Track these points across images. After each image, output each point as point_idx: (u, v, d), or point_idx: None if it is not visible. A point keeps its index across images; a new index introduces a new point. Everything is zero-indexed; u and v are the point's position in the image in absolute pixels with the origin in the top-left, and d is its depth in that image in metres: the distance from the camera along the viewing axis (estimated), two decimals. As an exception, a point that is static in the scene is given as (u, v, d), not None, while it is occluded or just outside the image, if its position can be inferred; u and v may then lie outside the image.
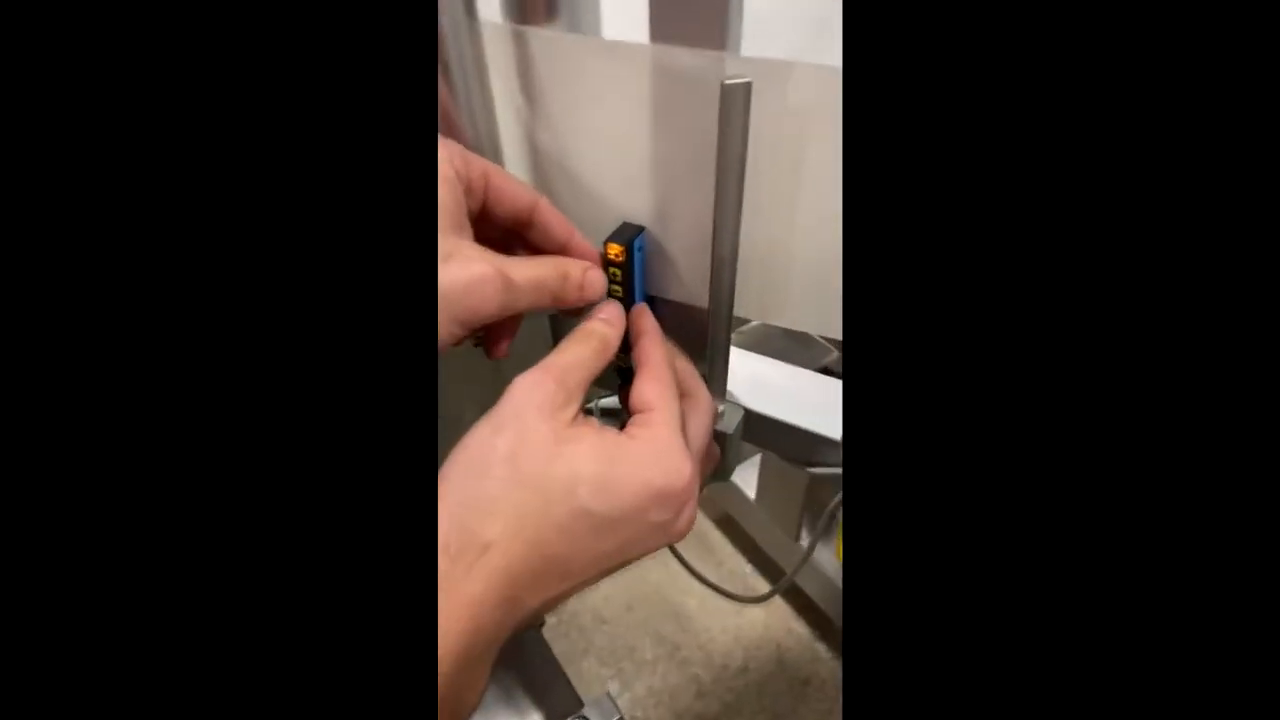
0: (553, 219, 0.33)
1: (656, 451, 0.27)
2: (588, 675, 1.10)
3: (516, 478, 0.25)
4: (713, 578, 1.21)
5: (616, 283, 0.34)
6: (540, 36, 0.32)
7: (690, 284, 0.35)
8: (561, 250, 0.33)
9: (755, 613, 1.17)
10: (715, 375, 0.35)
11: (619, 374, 0.40)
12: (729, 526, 1.27)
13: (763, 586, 1.21)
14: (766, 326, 0.66)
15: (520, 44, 0.33)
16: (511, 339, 0.35)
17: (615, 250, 0.33)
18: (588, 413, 0.58)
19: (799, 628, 1.15)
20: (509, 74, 0.34)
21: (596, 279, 0.32)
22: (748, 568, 1.24)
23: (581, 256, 0.33)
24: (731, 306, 0.32)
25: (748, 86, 0.26)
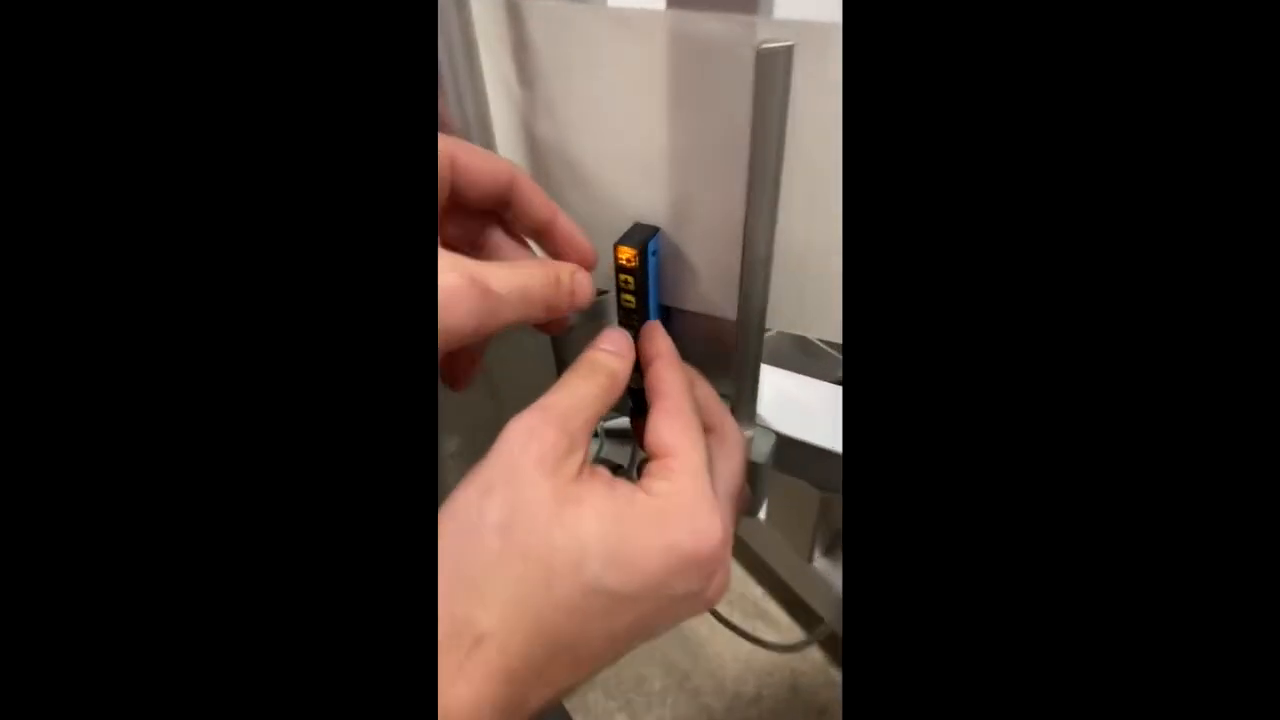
0: (533, 196, 0.28)
1: (680, 508, 0.23)
2: (595, 710, 1.04)
3: (513, 551, 0.20)
4: (722, 602, 1.16)
5: (629, 291, 0.29)
6: (539, 8, 0.28)
7: (714, 292, 0.30)
8: (544, 232, 0.29)
9: (768, 637, 1.12)
10: (744, 398, 0.30)
11: (630, 394, 0.35)
12: (736, 547, 1.22)
13: (775, 610, 1.16)
14: (775, 336, 0.61)
15: (515, 19, 0.29)
16: (476, 367, 0.30)
17: (627, 254, 0.29)
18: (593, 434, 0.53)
19: (813, 652, 1.09)
20: (502, 54, 0.30)
21: (585, 282, 0.28)
22: (758, 590, 1.18)
23: (566, 239, 0.28)
24: (764, 318, 0.28)
25: (789, 51, 0.22)
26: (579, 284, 0.27)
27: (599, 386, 0.25)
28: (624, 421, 0.45)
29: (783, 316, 0.30)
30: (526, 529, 0.21)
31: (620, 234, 0.30)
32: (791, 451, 0.34)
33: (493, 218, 0.29)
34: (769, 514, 1.07)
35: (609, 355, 0.27)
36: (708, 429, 0.27)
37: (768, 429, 0.33)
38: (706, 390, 0.30)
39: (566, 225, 0.29)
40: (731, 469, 0.27)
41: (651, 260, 0.30)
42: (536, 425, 0.23)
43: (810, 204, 0.26)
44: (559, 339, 0.41)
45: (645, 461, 0.25)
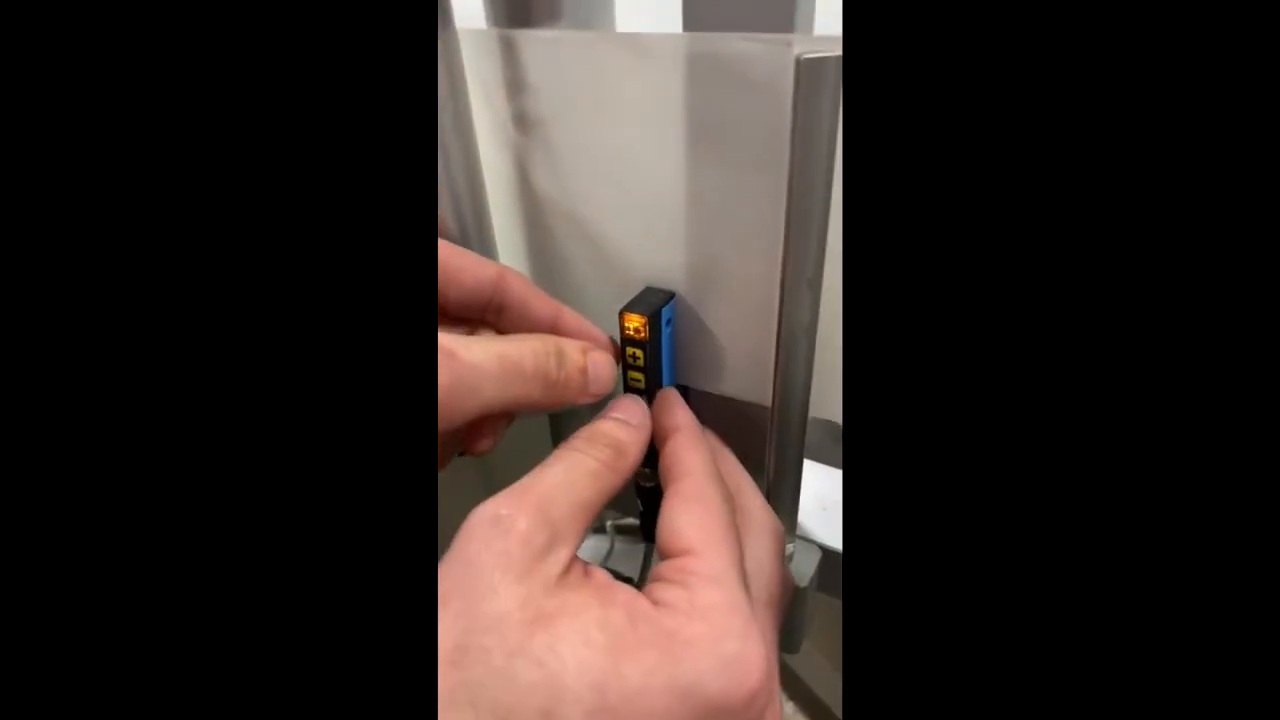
0: (530, 297, 0.23)
1: (706, 634, 0.17)
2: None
3: (461, 694, 0.15)
4: None
5: (637, 368, 0.24)
6: (539, 40, 0.24)
7: (744, 370, 0.25)
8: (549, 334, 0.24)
9: (801, 765, 0.99)
10: (781, 504, 0.24)
11: (639, 494, 0.29)
12: (767, 657, 1.11)
13: (809, 731, 1.04)
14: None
15: (510, 54, 0.25)
16: (496, 436, 0.25)
17: (635, 323, 0.23)
18: (599, 531, 0.46)
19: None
20: (496, 94, 0.26)
21: (604, 364, 0.22)
22: (789, 706, 1.07)
23: (575, 335, 0.24)
24: (806, 403, 0.22)
25: (838, 62, 0.17)
26: (595, 363, 0.22)
27: (598, 462, 0.20)
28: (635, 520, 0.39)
29: (819, 399, 0.24)
30: (480, 660, 0.15)
31: (629, 299, 0.25)
32: (838, 568, 0.27)
33: (480, 325, 0.25)
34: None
35: (616, 424, 0.21)
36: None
37: (810, 542, 0.26)
38: (730, 463, 0.24)
39: (574, 321, 0.24)
40: (764, 558, 0.21)
41: (665, 331, 0.24)
42: (505, 512, 0.17)
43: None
44: (558, 419, 0.36)
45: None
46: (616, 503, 0.37)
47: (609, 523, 0.59)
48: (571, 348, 0.21)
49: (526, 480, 0.19)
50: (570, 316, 0.24)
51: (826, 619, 0.95)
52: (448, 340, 0.18)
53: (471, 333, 0.24)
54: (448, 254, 0.22)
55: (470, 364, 0.18)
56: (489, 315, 0.24)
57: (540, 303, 0.23)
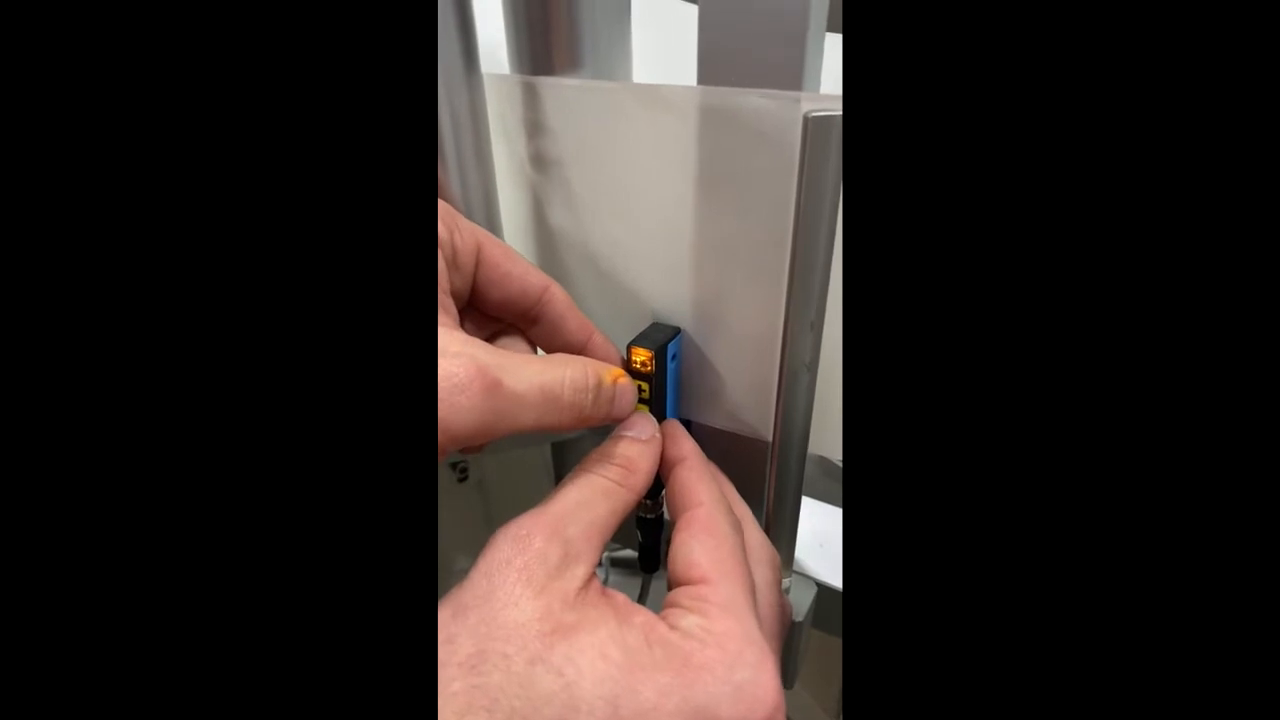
0: (568, 315, 0.24)
1: (720, 660, 0.17)
2: None
3: (478, 698, 0.15)
4: (737, 764, 1.03)
5: (642, 400, 0.25)
6: (560, 87, 0.25)
7: (745, 406, 0.26)
8: (576, 354, 0.25)
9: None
10: (780, 538, 0.25)
11: (639, 526, 0.30)
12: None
13: (797, 777, 1.02)
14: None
15: (532, 99, 0.26)
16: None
17: (641, 357, 0.24)
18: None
19: (842, 836, 0.95)
20: (516, 136, 0.27)
21: (629, 392, 0.23)
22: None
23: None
24: (806, 439, 0.23)
25: (843, 121, 0.18)
26: (622, 390, 0.23)
27: (610, 480, 0.21)
28: (632, 552, 0.39)
29: (818, 438, 0.25)
30: (499, 666, 0.16)
31: (635, 334, 0.25)
32: (833, 604, 0.28)
33: (513, 327, 0.25)
34: (791, 662, 0.97)
35: (626, 441, 0.22)
36: None
37: (806, 577, 0.27)
38: (732, 495, 0.24)
39: (603, 346, 0.25)
40: (765, 594, 0.21)
41: (671, 365, 0.25)
42: (524, 532, 0.18)
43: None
44: (560, 446, 0.36)
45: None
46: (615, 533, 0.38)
47: (605, 555, 0.59)
48: (606, 375, 0.22)
49: (545, 502, 0.19)
50: (600, 341, 0.25)
51: (815, 667, 0.93)
52: (494, 366, 0.18)
53: (498, 334, 0.25)
54: (501, 256, 0.23)
55: (514, 395, 0.19)
56: (524, 323, 0.24)
57: (576, 324, 0.24)
